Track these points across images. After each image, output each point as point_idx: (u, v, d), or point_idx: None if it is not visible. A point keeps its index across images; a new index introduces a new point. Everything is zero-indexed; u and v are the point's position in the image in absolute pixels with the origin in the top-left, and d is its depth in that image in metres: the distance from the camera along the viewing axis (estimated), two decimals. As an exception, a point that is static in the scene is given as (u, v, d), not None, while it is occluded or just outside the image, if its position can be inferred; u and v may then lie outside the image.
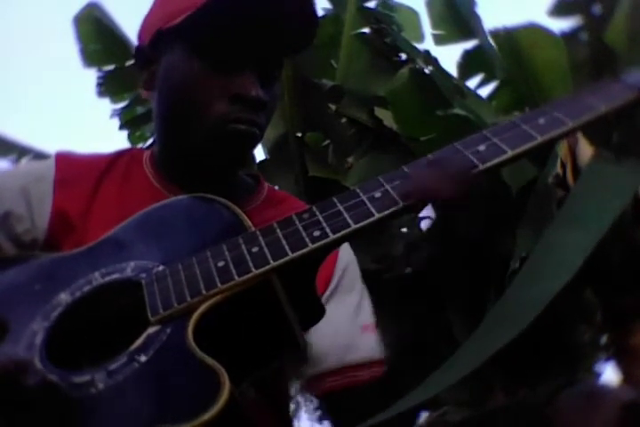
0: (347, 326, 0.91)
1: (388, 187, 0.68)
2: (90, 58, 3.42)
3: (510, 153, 0.66)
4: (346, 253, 0.96)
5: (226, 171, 0.92)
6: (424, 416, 2.63)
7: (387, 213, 0.67)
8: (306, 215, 0.69)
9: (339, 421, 0.92)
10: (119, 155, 0.97)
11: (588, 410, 0.73)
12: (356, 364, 0.90)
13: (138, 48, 0.93)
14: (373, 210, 0.67)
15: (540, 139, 0.67)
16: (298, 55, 0.97)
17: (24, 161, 3.45)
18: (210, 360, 0.60)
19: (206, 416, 0.55)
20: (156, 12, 0.92)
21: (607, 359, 3.10)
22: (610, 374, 3.04)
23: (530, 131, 0.67)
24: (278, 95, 0.93)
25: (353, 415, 0.84)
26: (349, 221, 0.67)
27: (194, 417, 0.55)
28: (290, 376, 0.94)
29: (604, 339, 3.10)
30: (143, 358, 0.63)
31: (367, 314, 0.94)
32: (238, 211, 0.75)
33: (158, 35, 0.88)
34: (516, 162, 0.68)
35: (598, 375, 3.14)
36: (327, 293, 0.90)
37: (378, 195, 0.68)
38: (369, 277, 0.98)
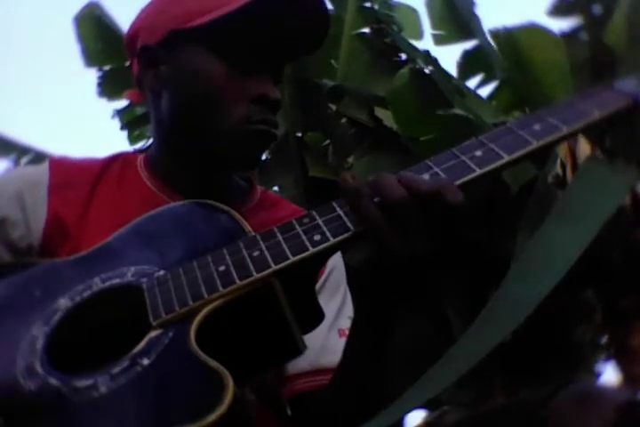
0: (325, 328, 0.89)
1: None
2: (91, 57, 3.42)
3: (507, 158, 0.67)
4: (334, 255, 0.96)
5: (242, 169, 0.94)
6: (424, 416, 2.64)
7: None
8: (306, 220, 0.69)
9: (302, 424, 0.89)
10: (112, 159, 0.97)
11: (583, 410, 0.73)
12: (329, 367, 0.87)
13: (143, 47, 0.92)
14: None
15: (535, 144, 0.67)
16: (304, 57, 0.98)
17: (24, 161, 3.44)
18: (213, 362, 0.60)
19: (211, 418, 0.55)
20: (167, 13, 0.91)
21: (607, 359, 3.10)
22: (610, 374, 3.04)
23: (526, 136, 0.68)
24: None
25: (317, 420, 0.83)
26: (349, 224, 0.67)
27: (199, 419, 0.56)
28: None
29: (604, 339, 3.09)
30: (146, 362, 0.63)
31: (346, 319, 0.93)
32: (238, 216, 0.75)
33: (171, 35, 0.88)
34: (513, 167, 0.69)
35: (598, 375, 3.14)
36: None
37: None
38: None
